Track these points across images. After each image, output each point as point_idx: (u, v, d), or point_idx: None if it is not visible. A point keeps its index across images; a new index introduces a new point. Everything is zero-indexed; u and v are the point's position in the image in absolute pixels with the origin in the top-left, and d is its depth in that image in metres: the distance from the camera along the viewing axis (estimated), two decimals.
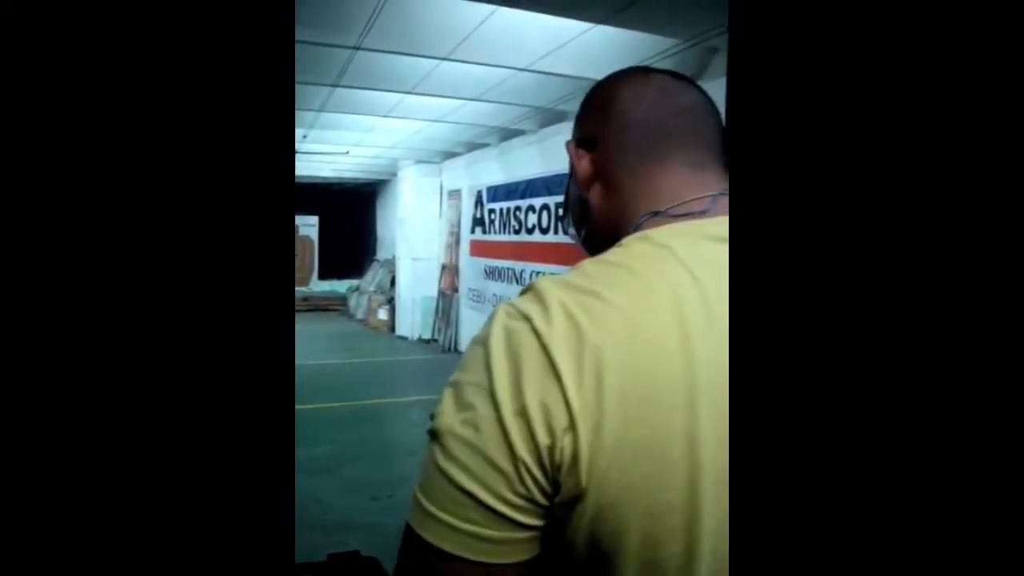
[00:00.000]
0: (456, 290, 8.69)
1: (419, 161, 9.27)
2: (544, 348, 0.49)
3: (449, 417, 0.51)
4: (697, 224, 0.58)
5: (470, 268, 8.34)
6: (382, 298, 10.66)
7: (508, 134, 7.03)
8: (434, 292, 9.21)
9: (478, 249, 8.15)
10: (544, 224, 6.39)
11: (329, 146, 8.02)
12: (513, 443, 0.48)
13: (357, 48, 3.95)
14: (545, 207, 6.43)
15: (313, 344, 8.93)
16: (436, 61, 4.24)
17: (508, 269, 7.16)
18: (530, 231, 6.66)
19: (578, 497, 0.48)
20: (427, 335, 9.28)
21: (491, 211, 7.79)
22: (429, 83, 4.79)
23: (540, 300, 0.52)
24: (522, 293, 0.55)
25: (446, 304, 8.90)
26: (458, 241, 8.77)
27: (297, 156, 8.52)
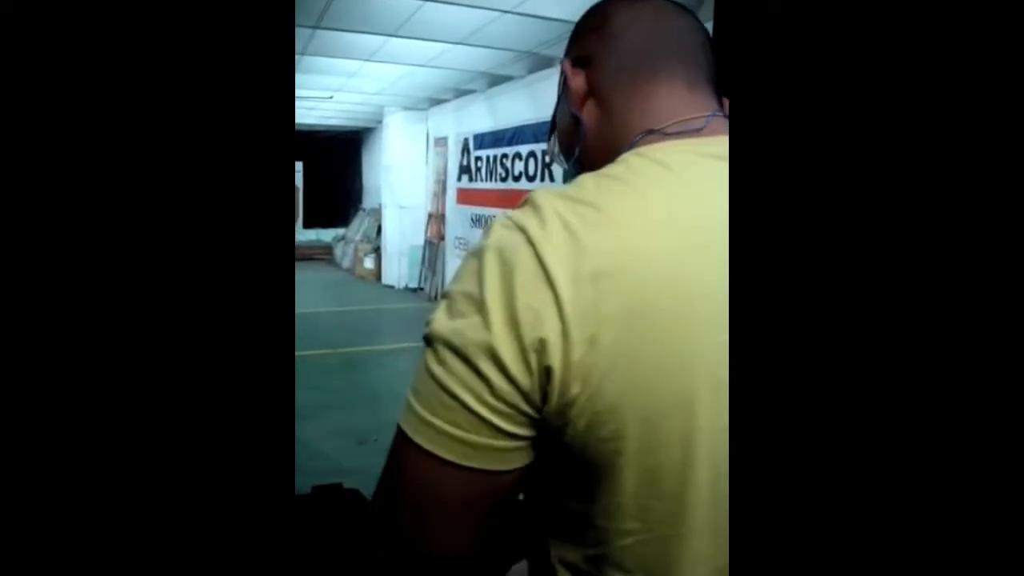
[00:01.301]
0: (443, 238, 8.66)
1: (405, 108, 9.13)
2: (538, 257, 0.49)
3: (440, 324, 0.51)
4: (695, 142, 0.57)
5: (457, 216, 8.30)
6: (368, 247, 10.62)
7: (495, 80, 6.92)
8: (421, 241, 9.17)
9: (465, 197, 8.09)
10: (531, 172, 6.34)
11: (312, 91, 7.88)
12: (499, 350, 0.48)
13: None
14: (532, 154, 6.37)
15: (299, 293, 8.81)
16: (419, 2, 4.14)
17: (495, 217, 7.13)
18: (517, 179, 6.61)
19: (571, 404, 0.49)
20: (414, 284, 9.28)
21: (478, 159, 7.71)
22: (412, 26, 4.68)
23: (537, 211, 0.52)
24: (519, 206, 0.54)
25: (432, 253, 8.88)
26: (444, 189, 8.70)
27: None
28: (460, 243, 8.12)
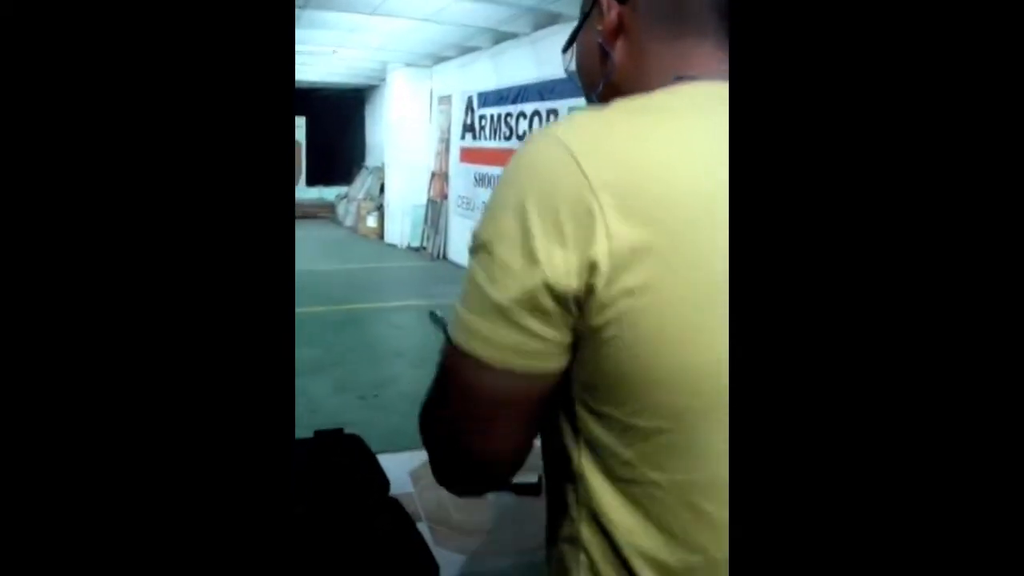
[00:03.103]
0: (446, 197, 8.63)
1: (409, 64, 9.02)
2: (581, 170, 0.50)
3: (486, 232, 0.53)
4: (725, 86, 0.56)
5: (460, 175, 8.26)
6: (371, 205, 10.58)
7: (500, 37, 6.82)
8: (424, 199, 9.14)
9: (468, 156, 8.04)
10: (535, 130, 6.29)
11: (315, 46, 7.78)
12: (542, 261, 0.50)
13: None
14: (537, 113, 6.32)
15: (302, 250, 8.85)
16: None
17: (499, 176, 7.09)
18: (521, 137, 6.57)
19: (610, 306, 0.50)
20: (416, 243, 9.27)
21: (482, 117, 7.65)
22: None
23: (579, 129, 0.53)
24: (561, 121, 0.55)
25: (435, 211, 8.86)
26: (448, 148, 8.64)
27: None
28: (463, 202, 8.09)
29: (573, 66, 0.71)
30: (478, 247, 0.54)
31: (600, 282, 0.49)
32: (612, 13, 0.63)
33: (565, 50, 0.73)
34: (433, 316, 1.14)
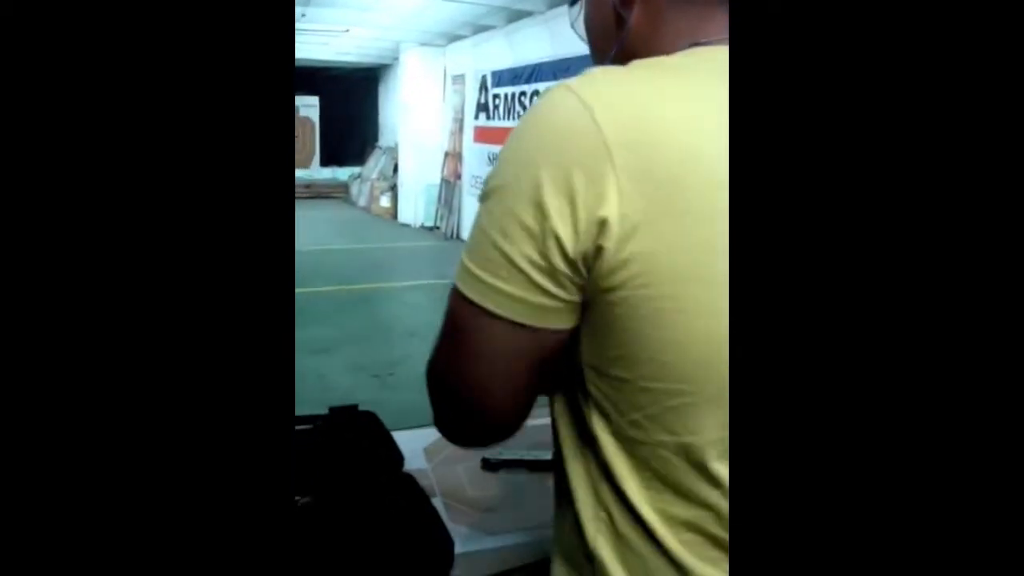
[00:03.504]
0: (459, 177, 8.61)
1: (423, 44, 8.98)
2: (596, 124, 0.49)
3: (496, 180, 0.53)
4: None
5: (474, 155, 8.24)
6: (385, 185, 10.58)
7: (514, 15, 6.77)
8: (437, 179, 9.13)
9: (482, 135, 8.01)
10: None
11: (328, 25, 7.75)
12: (552, 216, 0.49)
13: None
14: None
15: (316, 230, 8.94)
16: None
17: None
18: None
19: (620, 269, 0.49)
20: (430, 222, 9.27)
21: (496, 96, 7.61)
22: None
23: (596, 83, 0.52)
24: (578, 76, 0.53)
25: (449, 191, 8.84)
26: (462, 128, 8.62)
27: (296, 35, 8.26)
28: (477, 182, 8.08)
29: (581, 27, 0.69)
30: (488, 194, 0.53)
31: (610, 243, 0.48)
32: None
33: (573, 2, 0.70)
34: None
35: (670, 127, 0.49)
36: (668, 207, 0.48)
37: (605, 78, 0.53)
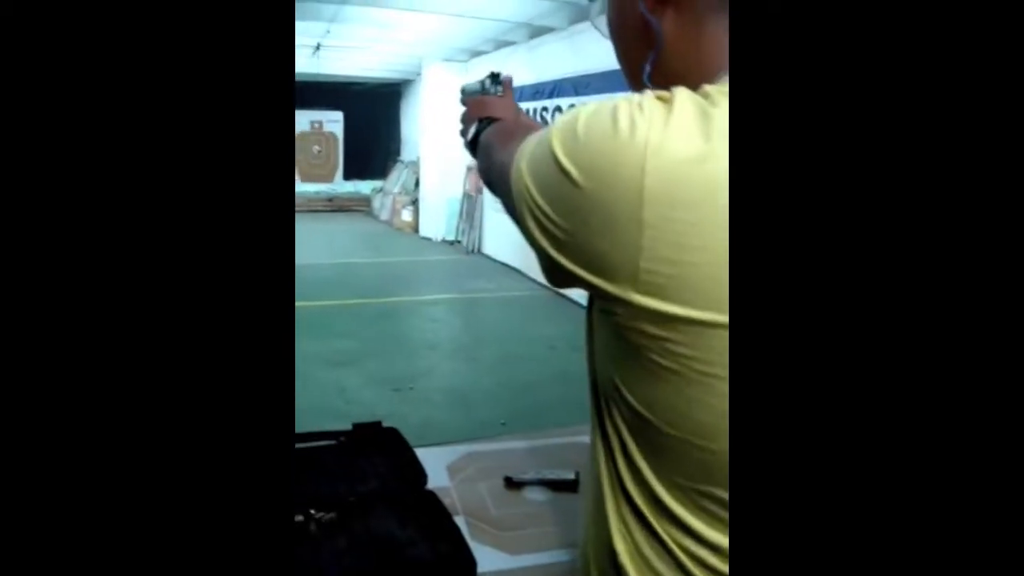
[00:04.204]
0: (481, 192, 8.64)
1: (445, 59, 9.04)
2: (641, 179, 0.45)
3: (533, 179, 0.53)
4: None
5: None
6: (406, 199, 10.64)
7: (536, 31, 6.80)
8: (459, 193, 9.16)
9: None
10: None
11: (352, 41, 7.84)
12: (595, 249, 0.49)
13: None
14: (573, 108, 6.28)
15: (338, 243, 9.01)
16: None
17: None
18: None
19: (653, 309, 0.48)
20: (451, 236, 9.30)
21: None
22: None
23: (671, 126, 0.46)
24: (665, 101, 0.48)
25: (471, 206, 8.88)
26: None
27: (320, 52, 8.35)
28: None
29: (603, 26, 0.64)
30: (521, 172, 0.54)
31: (633, 296, 0.48)
32: None
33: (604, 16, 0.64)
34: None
35: (712, 187, 0.45)
36: (692, 273, 0.46)
37: (681, 118, 0.46)
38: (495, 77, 1.01)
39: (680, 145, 0.45)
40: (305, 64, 9.08)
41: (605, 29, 0.64)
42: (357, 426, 1.31)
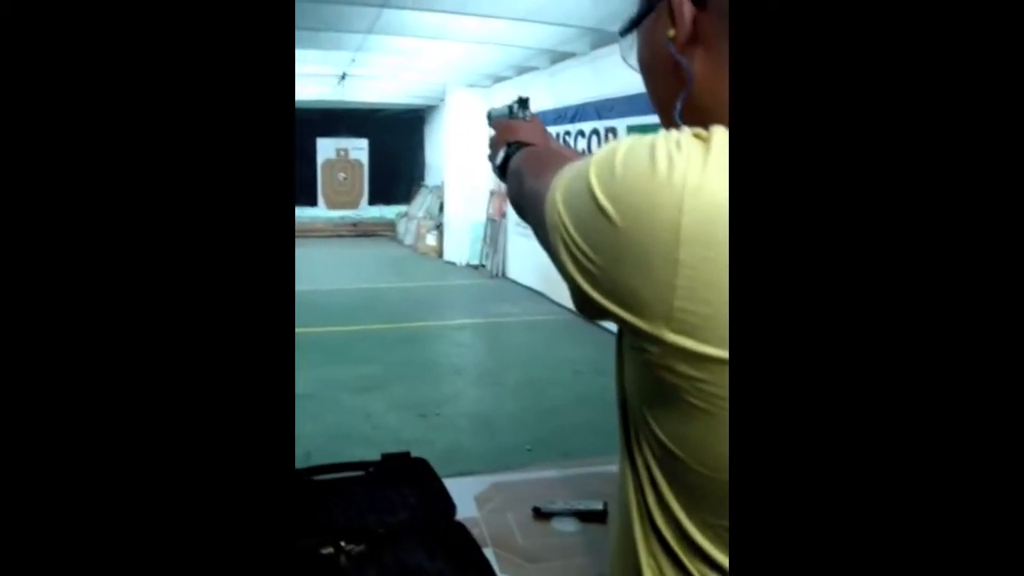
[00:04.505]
0: (504, 216, 8.68)
1: (469, 85, 9.15)
2: (678, 219, 0.46)
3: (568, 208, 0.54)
4: None
5: None
6: (431, 223, 10.72)
7: (558, 56, 6.86)
8: (483, 218, 9.21)
9: None
10: (595, 149, 6.27)
11: (377, 69, 7.97)
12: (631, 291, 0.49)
13: None
14: (595, 132, 6.32)
15: (363, 268, 9.09)
16: None
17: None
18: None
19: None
20: (475, 261, 9.34)
21: None
22: (476, 3, 4.70)
23: (710, 165, 0.46)
24: (705, 140, 0.48)
25: (495, 230, 8.92)
26: None
27: (345, 80, 8.49)
28: (521, 221, 8.11)
29: (634, 60, 0.65)
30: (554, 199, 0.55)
31: (666, 335, 0.48)
32: (687, 17, 0.56)
33: (624, 34, 0.65)
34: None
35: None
36: (727, 313, 0.46)
37: (718, 158, 0.46)
38: (523, 102, 1.02)
39: (718, 186, 0.46)
40: (331, 93, 9.23)
41: (635, 64, 0.65)
42: (386, 456, 1.32)
